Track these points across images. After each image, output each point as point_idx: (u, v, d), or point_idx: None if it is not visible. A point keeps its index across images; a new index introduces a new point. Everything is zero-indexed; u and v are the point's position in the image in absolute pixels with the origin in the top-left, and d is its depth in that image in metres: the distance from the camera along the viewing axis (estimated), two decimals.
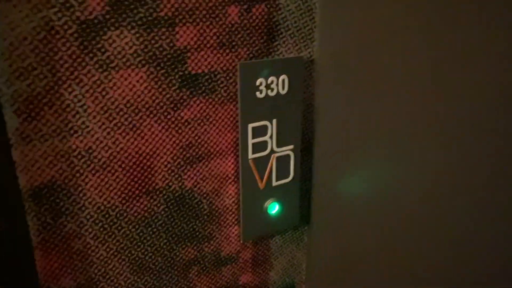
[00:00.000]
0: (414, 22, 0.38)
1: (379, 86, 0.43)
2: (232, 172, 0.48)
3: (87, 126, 0.38)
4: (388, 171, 0.45)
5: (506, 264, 0.34)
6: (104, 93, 0.38)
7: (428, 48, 0.37)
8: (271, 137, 0.47)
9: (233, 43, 0.43)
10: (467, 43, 0.34)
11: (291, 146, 0.49)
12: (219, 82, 0.44)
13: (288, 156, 0.49)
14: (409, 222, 0.43)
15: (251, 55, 0.44)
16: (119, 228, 0.43)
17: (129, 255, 0.44)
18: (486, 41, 0.32)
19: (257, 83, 0.44)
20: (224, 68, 0.43)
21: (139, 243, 0.44)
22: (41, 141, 0.37)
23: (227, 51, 0.43)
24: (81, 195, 0.40)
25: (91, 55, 0.37)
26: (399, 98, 0.41)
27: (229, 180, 0.48)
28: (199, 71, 0.42)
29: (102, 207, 0.41)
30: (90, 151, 0.39)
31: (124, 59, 0.38)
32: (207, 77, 0.43)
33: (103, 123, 0.39)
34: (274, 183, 0.50)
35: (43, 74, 0.35)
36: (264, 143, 0.47)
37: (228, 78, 0.44)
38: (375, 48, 0.43)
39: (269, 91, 0.45)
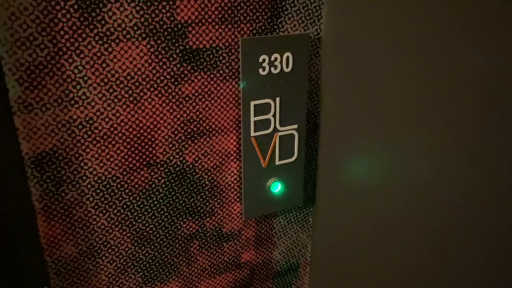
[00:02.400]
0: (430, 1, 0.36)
1: (388, 66, 0.42)
2: (234, 149, 0.48)
3: (88, 97, 0.39)
4: (394, 153, 0.44)
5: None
6: (104, 65, 0.39)
7: (441, 29, 0.35)
8: (274, 115, 0.47)
9: (236, 18, 0.43)
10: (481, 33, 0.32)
11: (295, 126, 0.49)
12: (221, 58, 0.43)
13: (292, 135, 0.49)
14: (415, 206, 0.42)
15: (254, 31, 0.44)
16: (120, 199, 0.44)
17: (130, 225, 0.45)
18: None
19: (260, 60, 0.44)
20: (226, 44, 0.43)
21: (140, 215, 0.45)
22: (42, 110, 0.38)
23: (230, 26, 0.43)
24: (82, 164, 0.41)
25: (91, 27, 0.37)
26: (409, 79, 0.40)
27: (231, 157, 0.48)
28: (200, 46, 0.42)
29: (103, 177, 0.42)
30: (91, 121, 0.40)
31: (124, 32, 0.39)
32: (208, 52, 0.43)
33: (104, 95, 0.40)
34: (278, 162, 0.49)
35: (44, 44, 0.36)
36: (267, 121, 0.47)
37: (230, 54, 0.44)
38: (385, 26, 0.41)
39: (272, 68, 0.45)
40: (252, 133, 0.47)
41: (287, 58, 0.45)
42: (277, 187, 0.50)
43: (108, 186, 0.43)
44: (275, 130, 0.48)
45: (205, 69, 0.43)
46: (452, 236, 0.38)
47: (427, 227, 0.41)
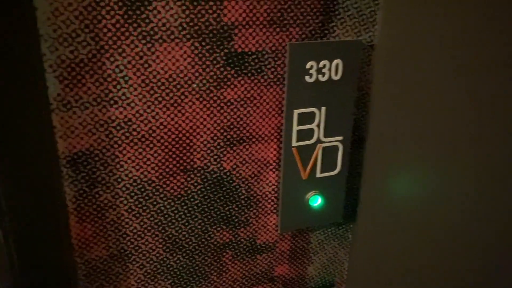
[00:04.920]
0: (486, 11, 0.33)
1: (443, 78, 0.39)
2: (274, 158, 0.45)
3: (128, 98, 0.38)
4: (445, 171, 0.41)
5: None
6: (146, 65, 0.38)
7: (499, 40, 0.32)
8: (318, 125, 0.44)
9: (285, 22, 0.40)
10: None
11: (340, 137, 0.46)
12: (266, 62, 0.41)
13: (336, 147, 0.46)
14: (464, 228, 0.39)
15: (303, 36, 0.42)
16: (154, 203, 0.42)
17: (162, 231, 0.44)
18: None
19: (308, 66, 0.42)
20: (273, 48, 0.41)
21: (174, 221, 0.44)
22: (81, 108, 0.37)
23: (278, 30, 0.40)
24: (118, 166, 0.40)
25: (135, 25, 0.36)
26: (464, 92, 0.36)
27: (270, 167, 0.46)
28: (246, 49, 0.40)
29: (139, 181, 0.41)
30: (130, 123, 0.39)
31: (168, 32, 0.37)
32: (254, 56, 0.41)
33: (144, 96, 0.38)
34: (318, 175, 0.47)
35: (86, 42, 0.35)
36: (310, 131, 0.44)
37: (276, 59, 0.41)
38: (442, 36, 0.38)
39: (320, 75, 0.42)
40: (294, 143, 0.44)
41: (337, 65, 0.43)
42: (316, 201, 0.48)
43: (143, 189, 0.41)
44: (318, 141, 0.45)
45: (249, 74, 0.41)
46: (503, 257, 0.35)
47: (475, 250, 0.38)
